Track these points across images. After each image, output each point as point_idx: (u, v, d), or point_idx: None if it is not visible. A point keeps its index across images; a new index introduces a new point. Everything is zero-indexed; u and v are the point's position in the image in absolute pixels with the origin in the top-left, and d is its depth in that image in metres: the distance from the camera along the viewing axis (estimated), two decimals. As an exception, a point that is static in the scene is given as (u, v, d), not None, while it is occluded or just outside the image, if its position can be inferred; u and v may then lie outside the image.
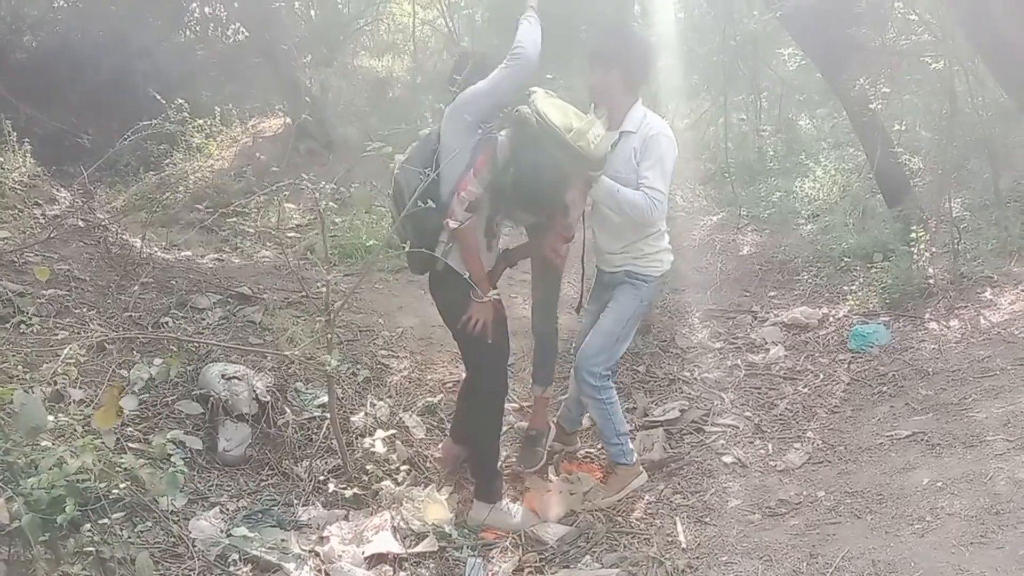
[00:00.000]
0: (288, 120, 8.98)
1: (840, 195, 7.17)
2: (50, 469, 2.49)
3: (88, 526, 2.79)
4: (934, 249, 5.29)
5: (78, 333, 3.93)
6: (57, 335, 3.76)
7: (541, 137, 3.33)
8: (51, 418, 2.71)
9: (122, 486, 2.95)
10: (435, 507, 3.77)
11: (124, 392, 2.54)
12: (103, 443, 2.68)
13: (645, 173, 3.60)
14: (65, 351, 2.82)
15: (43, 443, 2.65)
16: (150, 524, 3.16)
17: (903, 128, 6.94)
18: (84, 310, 4.39)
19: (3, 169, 5.95)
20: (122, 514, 3.05)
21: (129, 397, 2.57)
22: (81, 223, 5.64)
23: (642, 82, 3.84)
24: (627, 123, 3.71)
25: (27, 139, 6.58)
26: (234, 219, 7.19)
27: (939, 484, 3.46)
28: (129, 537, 3.01)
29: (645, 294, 3.88)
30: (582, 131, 3.40)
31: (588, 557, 3.52)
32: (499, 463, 3.95)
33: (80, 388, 3.23)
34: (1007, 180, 6.11)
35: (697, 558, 3.41)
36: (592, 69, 3.79)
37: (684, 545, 3.51)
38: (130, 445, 3.25)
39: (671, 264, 3.94)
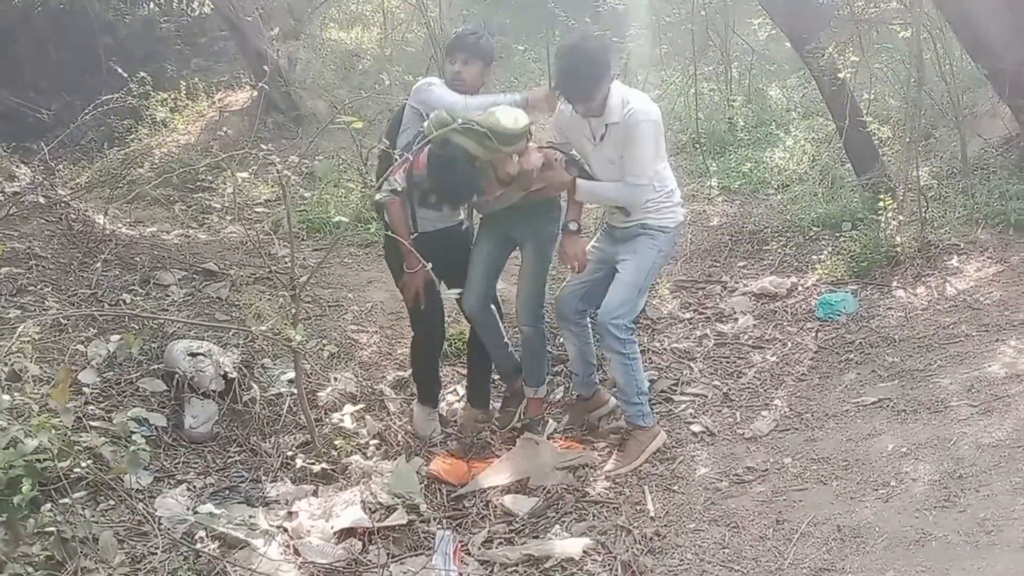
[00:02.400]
0: (255, 93, 8.85)
1: (809, 165, 7.17)
2: (4, 449, 2.44)
3: (49, 505, 2.74)
4: (902, 217, 5.32)
5: (34, 311, 3.86)
6: (10, 313, 3.69)
7: (452, 130, 3.52)
8: (7, 397, 2.66)
9: (84, 465, 2.92)
10: (404, 479, 3.76)
11: (82, 368, 2.48)
12: (61, 422, 2.63)
13: (628, 164, 3.71)
14: (20, 328, 2.76)
15: (-1, 423, 2.60)
16: (114, 503, 3.13)
17: (872, 97, 6.96)
18: (42, 288, 4.31)
19: (-40, 145, 5.83)
20: (84, 493, 3.01)
21: (88, 371, 2.52)
22: (42, 200, 5.53)
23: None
24: (611, 115, 3.69)
25: (-15, 115, 6.45)
26: (200, 194, 7.10)
27: (904, 450, 3.51)
28: (92, 516, 2.97)
29: (663, 244, 3.91)
30: (492, 112, 3.57)
31: (557, 527, 3.53)
32: (430, 383, 4.34)
33: (38, 366, 3.17)
34: (974, 148, 6.14)
35: (665, 526, 3.44)
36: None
37: (652, 513, 3.53)
38: (92, 423, 3.20)
39: (685, 216, 4.03)
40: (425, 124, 3.64)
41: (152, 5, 11.42)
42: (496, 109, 3.61)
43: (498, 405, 4.47)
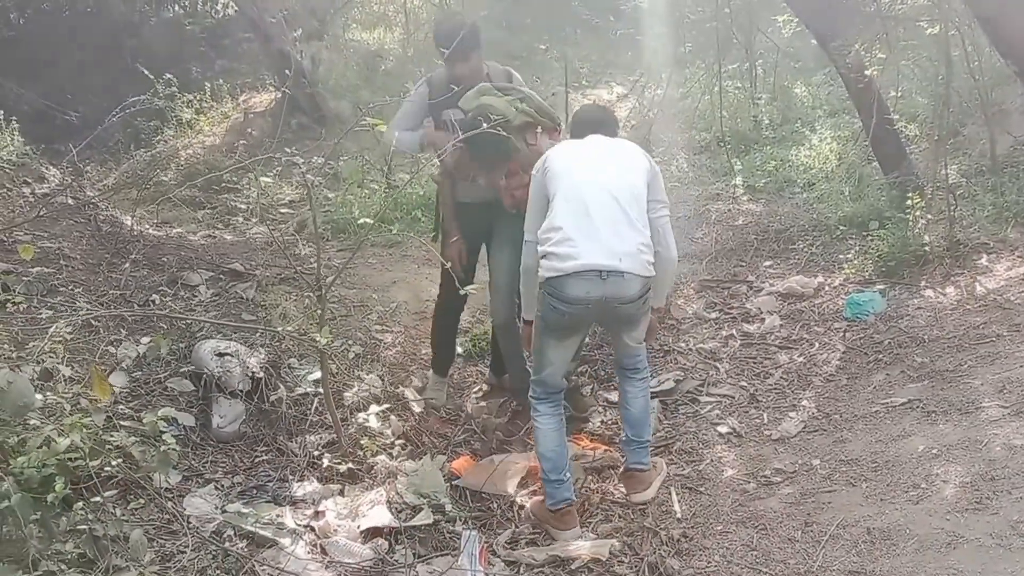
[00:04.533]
0: (279, 95, 8.90)
1: (836, 163, 7.11)
2: (39, 448, 2.47)
3: (80, 504, 2.78)
4: (930, 216, 5.26)
5: (65, 311, 3.91)
6: (42, 313, 3.73)
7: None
8: (39, 396, 2.69)
9: (114, 464, 2.95)
10: (429, 479, 3.77)
11: (112, 369, 2.51)
12: (92, 421, 2.66)
13: None
14: (51, 329, 2.79)
15: (32, 422, 2.63)
16: (143, 502, 3.15)
17: (899, 94, 6.88)
18: (73, 288, 4.36)
19: (-9, 147, 5.89)
20: (115, 492, 3.04)
21: (118, 374, 2.54)
22: (71, 201, 5.60)
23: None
24: None
25: (14, 117, 6.51)
26: (226, 195, 7.14)
27: (934, 451, 3.47)
28: (123, 515, 2.99)
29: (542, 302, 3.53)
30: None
31: (583, 528, 3.53)
32: (443, 352, 4.64)
33: (69, 366, 3.20)
34: (1003, 146, 6.06)
35: (692, 527, 3.42)
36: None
37: (679, 515, 3.52)
38: (122, 423, 3.23)
39: (557, 274, 3.34)
40: (468, 94, 3.87)
41: (177, 7, 11.50)
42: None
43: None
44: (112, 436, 2.98)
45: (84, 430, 2.62)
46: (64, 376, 3.00)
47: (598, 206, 3.39)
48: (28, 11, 10.38)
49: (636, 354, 3.76)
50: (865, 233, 5.72)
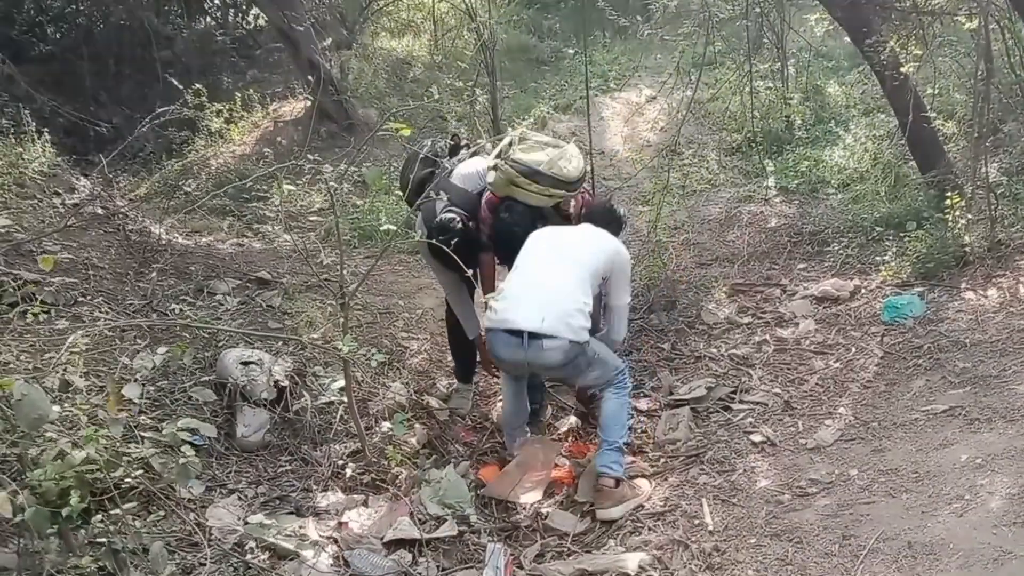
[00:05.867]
0: (309, 103, 8.93)
1: (871, 163, 6.94)
2: (53, 460, 2.45)
3: (99, 516, 2.75)
4: (970, 216, 5.10)
5: (83, 321, 3.90)
6: (59, 324, 3.72)
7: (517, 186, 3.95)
8: (56, 408, 2.66)
9: (135, 475, 2.92)
10: (454, 488, 3.71)
11: (129, 381, 2.48)
12: (109, 433, 2.63)
13: None
14: (69, 339, 2.77)
15: (48, 434, 2.60)
16: (164, 513, 3.13)
17: (936, 91, 6.69)
18: (91, 298, 4.36)
19: (23, 159, 5.93)
20: (136, 504, 3.01)
21: (132, 385, 2.51)
22: (100, 211, 5.63)
23: None
24: None
25: (47, 129, 6.58)
26: (255, 204, 7.16)
27: (978, 461, 3.33)
28: (143, 527, 2.97)
29: None
30: (554, 160, 3.93)
31: (612, 541, 3.45)
32: (464, 361, 4.69)
33: (87, 378, 3.18)
34: (1046, 142, 5.88)
35: (724, 540, 3.32)
36: None
37: (711, 527, 3.42)
38: (143, 434, 3.20)
39: (491, 321, 3.71)
40: (492, 176, 3.98)
41: (208, 19, 11.63)
42: (560, 157, 3.96)
43: None
44: (132, 448, 2.95)
45: (101, 442, 2.58)
46: (81, 388, 2.97)
47: (543, 269, 3.76)
48: (64, 26, 10.57)
49: (597, 385, 3.97)
50: (902, 234, 5.58)
